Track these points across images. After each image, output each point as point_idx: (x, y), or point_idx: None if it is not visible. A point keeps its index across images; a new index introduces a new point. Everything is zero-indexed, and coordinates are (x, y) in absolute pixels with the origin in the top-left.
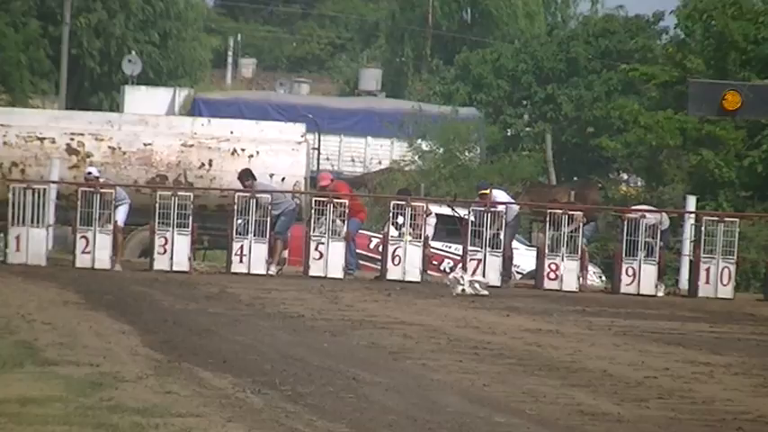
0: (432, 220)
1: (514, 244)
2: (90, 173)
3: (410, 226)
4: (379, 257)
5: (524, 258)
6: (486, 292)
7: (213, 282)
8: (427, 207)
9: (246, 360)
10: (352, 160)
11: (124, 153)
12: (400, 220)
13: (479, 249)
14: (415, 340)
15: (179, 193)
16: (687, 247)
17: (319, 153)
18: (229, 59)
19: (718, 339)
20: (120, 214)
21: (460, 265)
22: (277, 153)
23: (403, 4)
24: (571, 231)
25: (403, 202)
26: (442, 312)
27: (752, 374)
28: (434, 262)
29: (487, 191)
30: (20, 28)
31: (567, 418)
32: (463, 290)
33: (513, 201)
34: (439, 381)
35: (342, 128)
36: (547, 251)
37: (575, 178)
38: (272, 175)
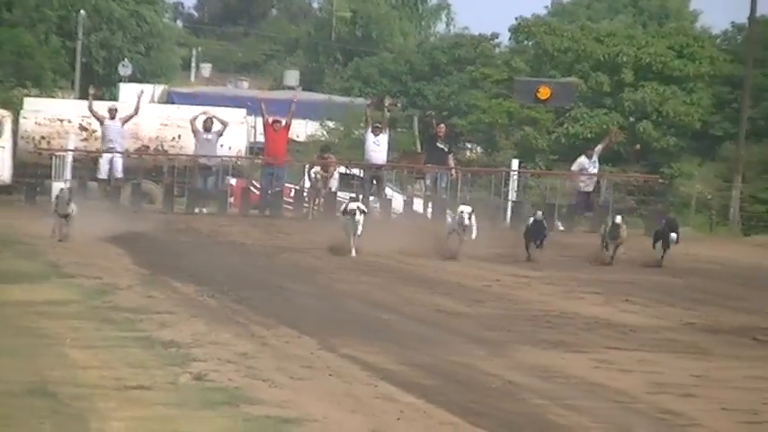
0: (336, 175)
1: (390, 192)
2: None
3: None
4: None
5: (397, 202)
6: None
7: (182, 220)
8: (334, 167)
9: (205, 274)
10: None
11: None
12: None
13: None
14: (324, 261)
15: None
16: (512, 195)
17: (255, 129)
18: (193, 64)
19: (535, 259)
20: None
21: None
22: (227, 130)
23: (316, 25)
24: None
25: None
26: (344, 238)
27: (559, 284)
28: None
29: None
30: (43, 44)
31: (432, 315)
32: None
33: None
34: (342, 290)
35: (271, 112)
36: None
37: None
38: (222, 146)
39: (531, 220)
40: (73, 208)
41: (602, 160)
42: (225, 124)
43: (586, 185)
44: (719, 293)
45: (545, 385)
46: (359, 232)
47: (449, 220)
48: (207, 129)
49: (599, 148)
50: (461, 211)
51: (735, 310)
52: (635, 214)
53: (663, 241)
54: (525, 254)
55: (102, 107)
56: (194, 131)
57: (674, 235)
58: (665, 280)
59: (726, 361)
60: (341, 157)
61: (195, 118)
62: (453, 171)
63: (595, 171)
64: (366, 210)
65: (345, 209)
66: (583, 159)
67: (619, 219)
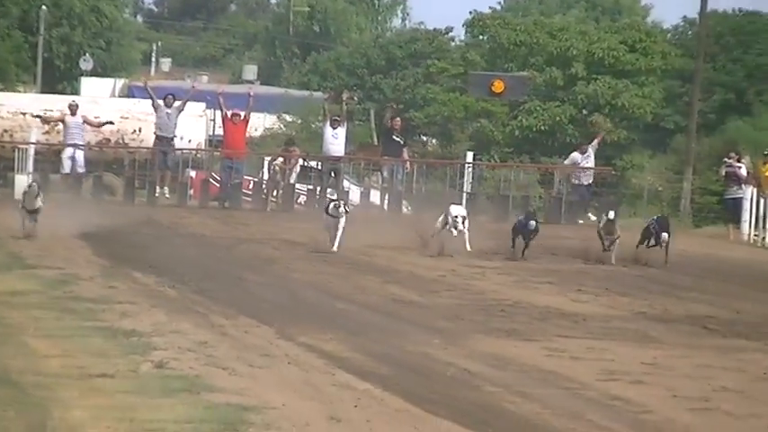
0: (297, 168)
1: (347, 184)
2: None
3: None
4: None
5: (354, 194)
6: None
7: (143, 212)
8: (297, 160)
9: (165, 265)
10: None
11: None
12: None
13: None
14: (282, 251)
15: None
16: (467, 187)
17: (215, 123)
18: (153, 58)
19: (486, 250)
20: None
21: None
22: (186, 122)
23: (274, 20)
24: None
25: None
26: (301, 229)
27: (512, 274)
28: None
29: None
30: (6, 38)
31: (387, 305)
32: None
33: None
34: (299, 279)
35: (230, 106)
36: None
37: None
38: (181, 138)
39: (522, 217)
40: (41, 204)
41: (556, 152)
42: (185, 99)
43: (579, 179)
44: (670, 283)
45: (499, 373)
46: (340, 231)
47: (440, 219)
48: (168, 105)
49: (594, 143)
50: (455, 215)
51: (685, 300)
52: (588, 205)
53: (655, 240)
54: (516, 251)
55: (62, 102)
56: (155, 106)
57: (665, 234)
58: (616, 270)
59: (676, 349)
60: (300, 150)
61: (152, 95)
62: (408, 164)
63: (589, 165)
64: (348, 210)
65: (328, 208)
66: (575, 155)
67: (612, 214)
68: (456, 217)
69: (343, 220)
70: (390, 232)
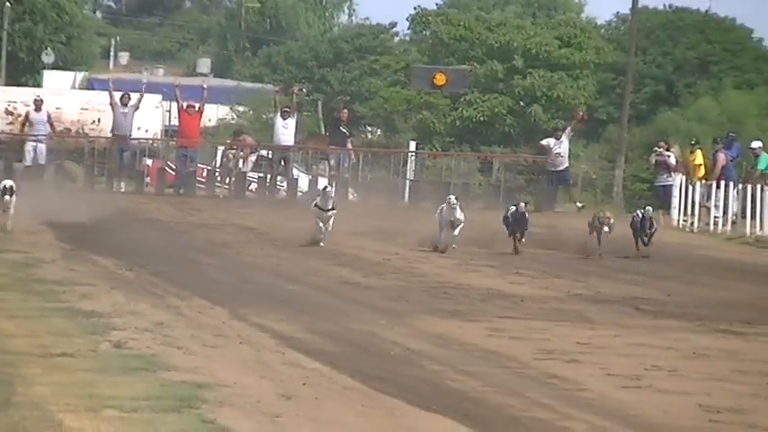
0: (252, 158)
1: (296, 172)
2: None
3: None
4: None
5: (303, 182)
6: None
7: (102, 198)
8: (250, 150)
9: (124, 249)
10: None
11: None
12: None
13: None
14: (234, 236)
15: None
16: (410, 175)
17: (170, 114)
18: (112, 52)
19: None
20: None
21: None
22: (143, 113)
23: (226, 15)
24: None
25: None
26: (252, 214)
27: (454, 258)
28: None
29: None
30: None
31: (336, 286)
32: None
33: None
34: (251, 262)
35: (185, 97)
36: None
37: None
38: (138, 128)
39: (513, 209)
40: (13, 199)
41: (495, 141)
42: (141, 96)
43: (554, 165)
44: (605, 266)
45: (442, 352)
46: (330, 227)
47: (436, 213)
48: (124, 104)
49: (568, 130)
50: (452, 205)
51: (618, 282)
52: (524, 192)
53: (642, 232)
54: (512, 247)
55: (26, 94)
56: (112, 105)
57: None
58: (553, 254)
59: (609, 329)
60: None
61: (112, 93)
62: (353, 154)
63: (560, 151)
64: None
65: (317, 203)
66: (550, 140)
67: (608, 213)
68: (453, 205)
69: (333, 212)
70: (337, 218)
